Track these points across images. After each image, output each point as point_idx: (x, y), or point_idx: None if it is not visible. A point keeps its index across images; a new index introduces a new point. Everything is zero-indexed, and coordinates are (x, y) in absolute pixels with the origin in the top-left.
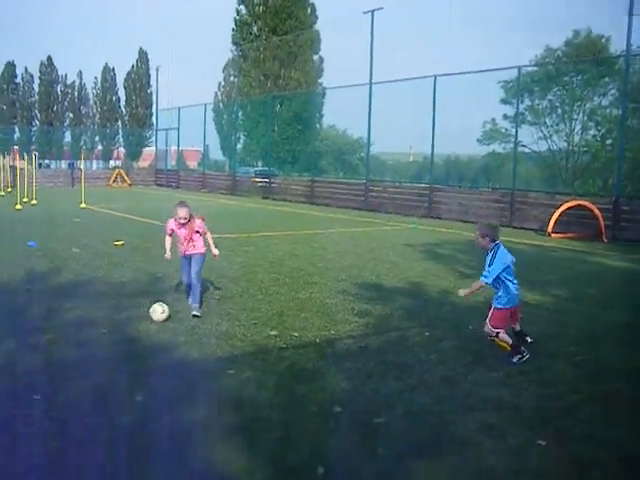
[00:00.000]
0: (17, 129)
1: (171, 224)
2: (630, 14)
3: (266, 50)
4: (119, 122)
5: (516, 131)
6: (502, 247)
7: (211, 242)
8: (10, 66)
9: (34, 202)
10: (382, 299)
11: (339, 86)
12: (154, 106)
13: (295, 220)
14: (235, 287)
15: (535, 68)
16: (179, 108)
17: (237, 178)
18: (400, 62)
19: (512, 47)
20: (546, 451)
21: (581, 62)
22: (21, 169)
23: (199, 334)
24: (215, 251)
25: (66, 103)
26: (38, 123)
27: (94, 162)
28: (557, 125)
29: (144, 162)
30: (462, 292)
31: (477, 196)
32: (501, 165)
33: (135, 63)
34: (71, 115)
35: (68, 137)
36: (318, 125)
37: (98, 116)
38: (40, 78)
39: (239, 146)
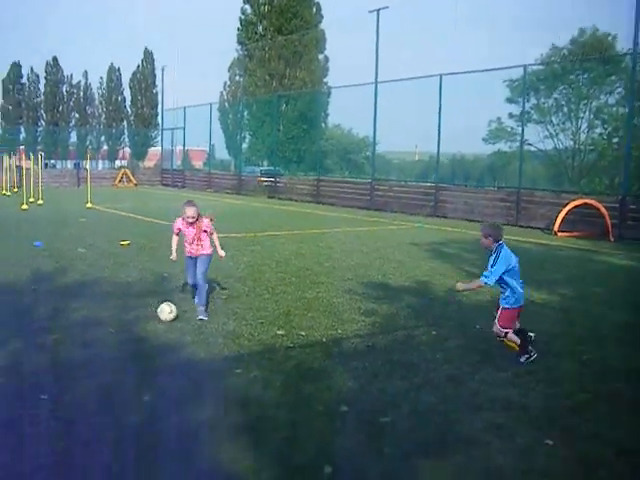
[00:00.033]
0: (23, 129)
1: (178, 223)
2: (638, 11)
3: (271, 49)
4: (125, 122)
5: (522, 130)
6: (505, 247)
7: (217, 243)
8: (16, 66)
9: (40, 202)
10: (388, 298)
11: (344, 85)
12: (159, 106)
13: (301, 219)
14: (242, 286)
15: (541, 67)
16: (185, 108)
17: (243, 177)
18: (405, 61)
19: (518, 46)
20: (553, 451)
21: (587, 60)
22: (27, 169)
23: (206, 333)
24: (221, 253)
25: (72, 103)
26: (44, 123)
27: (100, 162)
28: (563, 123)
29: (150, 162)
30: (460, 286)
31: (483, 195)
32: (507, 164)
33: (140, 63)
34: (77, 115)
35: (74, 137)
36: (323, 124)
37: (104, 116)
38: (46, 78)
39: (245, 145)
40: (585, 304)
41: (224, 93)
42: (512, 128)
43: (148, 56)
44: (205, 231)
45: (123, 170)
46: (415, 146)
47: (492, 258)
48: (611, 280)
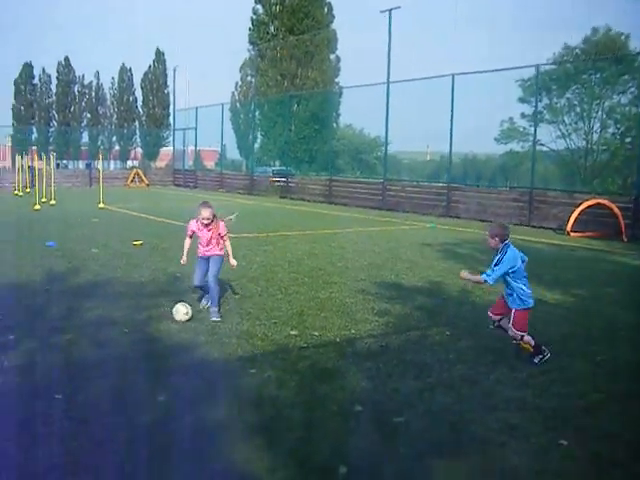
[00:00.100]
0: (35, 129)
1: (192, 225)
2: None
3: (283, 49)
4: (136, 122)
5: (535, 130)
6: (512, 248)
7: (230, 250)
8: (28, 67)
9: (52, 202)
10: (402, 298)
11: (356, 85)
12: (171, 106)
13: (313, 219)
14: (255, 286)
15: (553, 66)
16: (196, 108)
17: (255, 178)
18: (417, 61)
19: (530, 45)
20: (568, 451)
21: (600, 60)
22: (39, 169)
23: (220, 334)
24: (233, 262)
25: (83, 103)
26: (56, 123)
27: (111, 162)
28: (576, 123)
29: (161, 162)
30: (464, 274)
31: (496, 195)
32: (519, 164)
33: (152, 63)
34: (88, 115)
35: (86, 137)
36: (335, 124)
37: (115, 116)
38: (57, 79)
39: (256, 146)
40: (598, 304)
41: (236, 93)
42: (524, 128)
43: (160, 56)
44: (222, 235)
45: (135, 170)
46: (427, 146)
47: (497, 258)
48: (624, 280)
